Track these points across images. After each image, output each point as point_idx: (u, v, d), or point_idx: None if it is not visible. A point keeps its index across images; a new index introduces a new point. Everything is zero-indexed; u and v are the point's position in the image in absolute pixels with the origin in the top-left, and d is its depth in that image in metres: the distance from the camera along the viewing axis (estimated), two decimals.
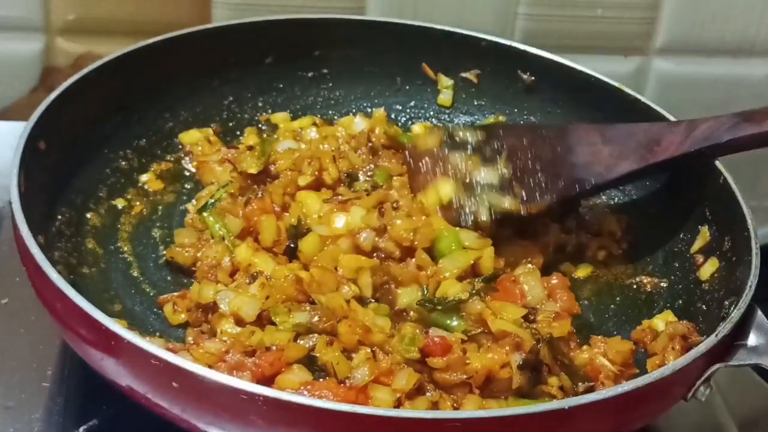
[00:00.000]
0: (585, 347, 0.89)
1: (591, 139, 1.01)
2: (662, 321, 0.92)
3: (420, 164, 1.03)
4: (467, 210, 0.97)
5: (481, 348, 0.83)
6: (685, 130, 0.97)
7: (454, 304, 0.86)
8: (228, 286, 0.90)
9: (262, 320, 0.86)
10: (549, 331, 0.86)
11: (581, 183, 0.98)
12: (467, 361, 0.81)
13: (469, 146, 1.03)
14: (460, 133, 1.04)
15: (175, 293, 0.91)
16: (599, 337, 0.90)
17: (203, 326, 0.88)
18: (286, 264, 0.92)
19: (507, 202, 0.97)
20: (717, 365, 0.79)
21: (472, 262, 0.92)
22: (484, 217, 0.96)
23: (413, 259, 0.92)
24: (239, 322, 0.85)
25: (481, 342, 0.84)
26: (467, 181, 1.00)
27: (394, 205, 0.97)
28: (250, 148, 1.05)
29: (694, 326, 0.89)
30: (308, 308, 0.85)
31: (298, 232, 0.95)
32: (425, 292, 0.90)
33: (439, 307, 0.87)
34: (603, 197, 1.09)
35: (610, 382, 0.85)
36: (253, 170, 1.01)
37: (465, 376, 0.81)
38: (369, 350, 0.83)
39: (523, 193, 0.98)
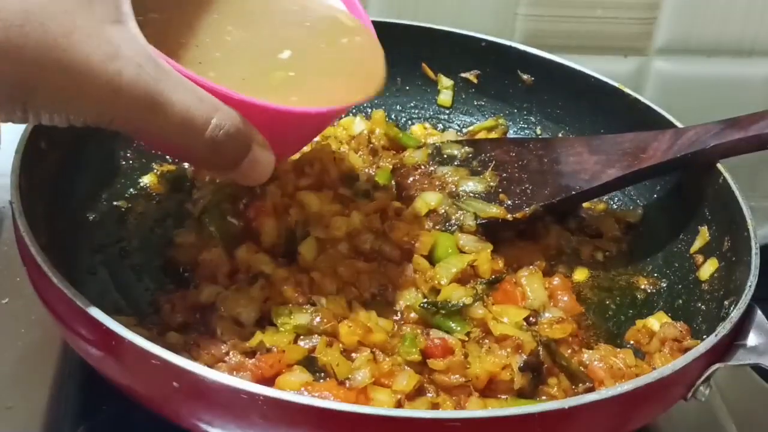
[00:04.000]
0: (584, 350, 0.89)
1: (577, 149, 1.03)
2: (657, 321, 0.92)
3: (407, 181, 1.04)
4: (453, 217, 0.98)
5: (482, 349, 0.83)
6: (672, 137, 0.98)
7: (458, 309, 0.86)
8: (228, 288, 0.89)
9: (263, 321, 0.86)
10: (549, 334, 0.86)
11: (567, 190, 0.99)
12: (468, 365, 0.81)
13: (456, 160, 1.04)
14: (448, 149, 1.07)
15: (175, 294, 0.91)
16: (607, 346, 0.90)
17: (202, 328, 0.88)
18: (286, 266, 0.92)
19: (493, 209, 0.98)
20: (717, 365, 0.79)
21: (467, 265, 0.92)
22: (469, 222, 0.97)
23: (410, 263, 0.93)
24: (239, 323, 0.85)
25: (483, 343, 0.85)
26: (454, 190, 1.01)
27: (397, 212, 0.97)
28: None
29: (689, 328, 0.89)
30: (309, 310, 0.85)
31: (295, 236, 0.95)
32: (424, 295, 0.90)
33: (443, 311, 0.87)
34: (604, 198, 1.10)
35: (611, 381, 0.85)
36: None
37: (465, 379, 0.81)
38: (370, 351, 0.83)
39: (509, 201, 0.99)
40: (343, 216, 0.95)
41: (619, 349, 0.88)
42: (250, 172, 0.75)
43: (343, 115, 1.17)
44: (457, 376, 0.81)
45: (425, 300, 0.89)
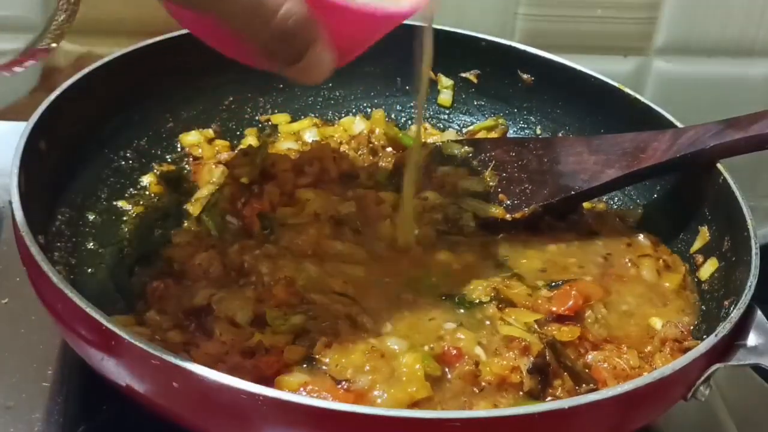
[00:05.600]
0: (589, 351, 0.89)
1: (577, 149, 1.03)
2: (659, 320, 0.92)
3: None
4: (451, 217, 0.98)
5: (491, 352, 0.83)
6: (672, 138, 0.98)
7: (473, 307, 0.87)
8: (221, 289, 0.89)
9: (262, 321, 0.86)
10: (557, 336, 0.86)
11: (566, 190, 0.99)
12: (478, 373, 0.81)
13: (456, 160, 1.05)
14: (449, 149, 1.08)
15: (167, 296, 0.90)
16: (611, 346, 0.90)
17: (197, 332, 0.87)
18: (263, 245, 0.93)
19: (492, 209, 0.98)
20: (717, 365, 0.79)
21: None
22: (469, 222, 0.97)
23: None
24: (235, 324, 0.85)
25: (492, 346, 0.84)
26: (454, 190, 1.02)
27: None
28: (246, 153, 1.05)
29: (690, 328, 0.89)
30: (304, 309, 0.85)
31: (271, 222, 0.96)
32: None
33: (460, 306, 0.87)
34: (604, 198, 1.10)
35: (614, 382, 0.85)
36: (245, 180, 1.01)
37: (477, 389, 0.81)
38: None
39: (509, 201, 1.00)
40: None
41: (623, 350, 0.88)
42: (311, 68, 0.74)
43: (343, 115, 1.18)
44: (469, 386, 0.81)
45: (444, 294, 0.89)
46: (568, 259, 0.98)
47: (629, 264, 0.98)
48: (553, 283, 0.93)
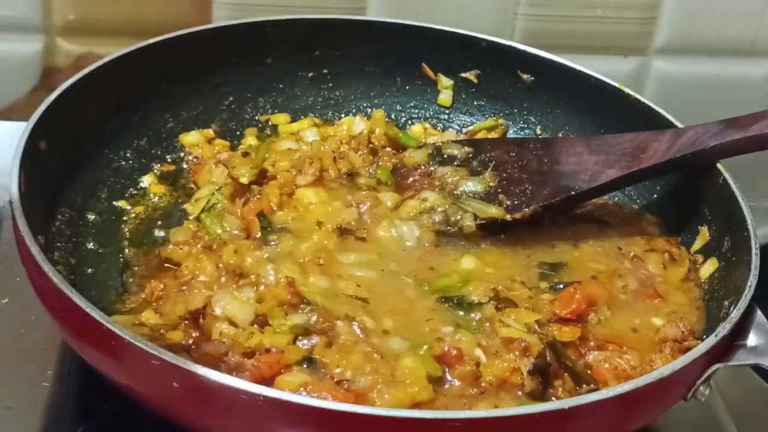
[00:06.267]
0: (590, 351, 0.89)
1: (577, 149, 1.03)
2: (660, 320, 0.92)
3: (407, 181, 1.04)
4: (452, 218, 0.98)
5: (491, 354, 0.83)
6: (672, 138, 0.98)
7: (472, 306, 0.87)
8: (221, 288, 0.89)
9: (261, 322, 0.86)
10: (558, 336, 0.86)
11: (566, 191, 0.99)
12: (479, 374, 0.81)
13: (456, 160, 1.05)
14: (449, 150, 1.08)
15: (163, 299, 0.90)
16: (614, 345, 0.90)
17: (195, 333, 0.87)
18: (263, 245, 0.92)
19: (492, 210, 0.98)
20: (717, 365, 0.79)
21: None
22: (469, 223, 0.97)
23: None
24: (235, 324, 0.85)
25: (491, 345, 0.84)
26: (454, 191, 1.02)
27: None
28: (245, 154, 1.05)
29: (690, 328, 0.89)
30: (305, 309, 0.85)
31: (271, 223, 0.96)
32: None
33: (459, 306, 0.88)
34: (604, 198, 1.10)
35: (615, 383, 0.84)
36: (244, 180, 1.01)
37: (479, 391, 0.81)
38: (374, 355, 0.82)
39: (509, 202, 0.99)
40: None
41: (625, 350, 0.88)
42: None
43: (343, 115, 1.19)
44: (470, 388, 0.81)
45: (444, 294, 0.90)
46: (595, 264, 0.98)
47: (634, 259, 0.97)
48: (559, 285, 0.93)
